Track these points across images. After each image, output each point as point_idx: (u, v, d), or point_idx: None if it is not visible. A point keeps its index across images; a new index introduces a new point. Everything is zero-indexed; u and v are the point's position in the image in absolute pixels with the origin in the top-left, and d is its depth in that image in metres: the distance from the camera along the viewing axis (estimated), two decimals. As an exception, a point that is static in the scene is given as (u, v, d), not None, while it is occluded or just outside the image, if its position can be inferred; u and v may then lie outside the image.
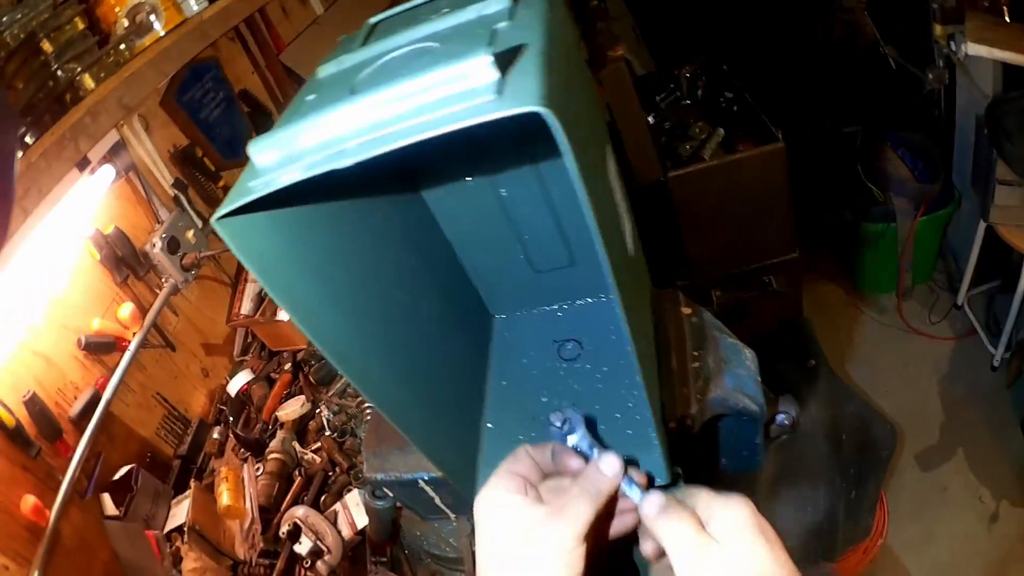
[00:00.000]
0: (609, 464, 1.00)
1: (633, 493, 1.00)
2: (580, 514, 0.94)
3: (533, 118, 0.68)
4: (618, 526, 1.08)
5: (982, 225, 3.94)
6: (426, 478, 1.38)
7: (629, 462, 1.03)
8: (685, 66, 3.87)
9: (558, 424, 1.08)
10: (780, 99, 3.76)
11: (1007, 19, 3.42)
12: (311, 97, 0.91)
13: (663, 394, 1.24)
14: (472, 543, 1.39)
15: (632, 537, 1.08)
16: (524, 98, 0.69)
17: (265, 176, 0.80)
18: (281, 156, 0.81)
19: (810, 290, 4.93)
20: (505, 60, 0.76)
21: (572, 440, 1.04)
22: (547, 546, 0.93)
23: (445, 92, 0.74)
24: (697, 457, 1.48)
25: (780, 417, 1.50)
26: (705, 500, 0.99)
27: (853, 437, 3.33)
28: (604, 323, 1.40)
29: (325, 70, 1.02)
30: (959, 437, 4.23)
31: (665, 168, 3.32)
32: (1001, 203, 3.69)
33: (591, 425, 1.07)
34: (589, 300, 1.45)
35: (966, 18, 3.49)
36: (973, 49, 3.34)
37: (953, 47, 3.61)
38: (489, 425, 1.33)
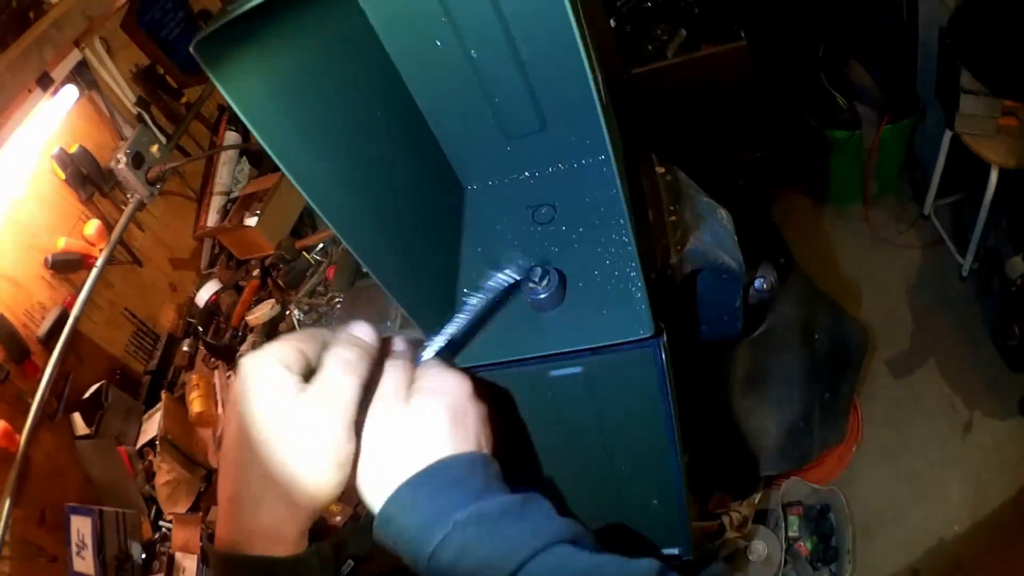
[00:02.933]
0: (361, 329, 1.00)
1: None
2: (343, 396, 0.89)
3: None
4: None
5: (948, 134, 3.96)
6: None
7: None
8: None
9: (536, 279, 1.08)
10: (743, 5, 3.74)
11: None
12: None
13: (641, 246, 1.23)
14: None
15: None
16: None
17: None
18: None
19: (778, 198, 4.94)
20: None
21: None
22: (312, 433, 0.87)
23: None
24: (678, 319, 1.48)
25: (758, 282, 1.51)
26: (432, 367, 1.03)
27: (826, 338, 3.35)
28: (577, 187, 1.39)
29: None
30: (930, 346, 4.28)
31: (628, 64, 3.31)
32: (966, 112, 3.69)
33: (563, 280, 1.07)
34: (561, 167, 1.43)
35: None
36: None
37: (916, -46, 3.59)
38: (464, 290, 1.32)
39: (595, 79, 0.88)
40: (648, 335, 1.11)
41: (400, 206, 1.21)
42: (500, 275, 1.12)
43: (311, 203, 0.94)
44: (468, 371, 1.07)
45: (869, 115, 4.47)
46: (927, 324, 4.39)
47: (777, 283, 1.51)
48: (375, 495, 0.89)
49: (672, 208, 1.32)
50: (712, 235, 1.31)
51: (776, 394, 3.11)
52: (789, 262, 3.42)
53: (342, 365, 0.90)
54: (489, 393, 1.09)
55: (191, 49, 0.78)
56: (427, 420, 0.92)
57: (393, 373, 0.96)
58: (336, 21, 1.10)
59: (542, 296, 1.12)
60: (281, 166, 0.89)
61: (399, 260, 1.15)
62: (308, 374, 0.90)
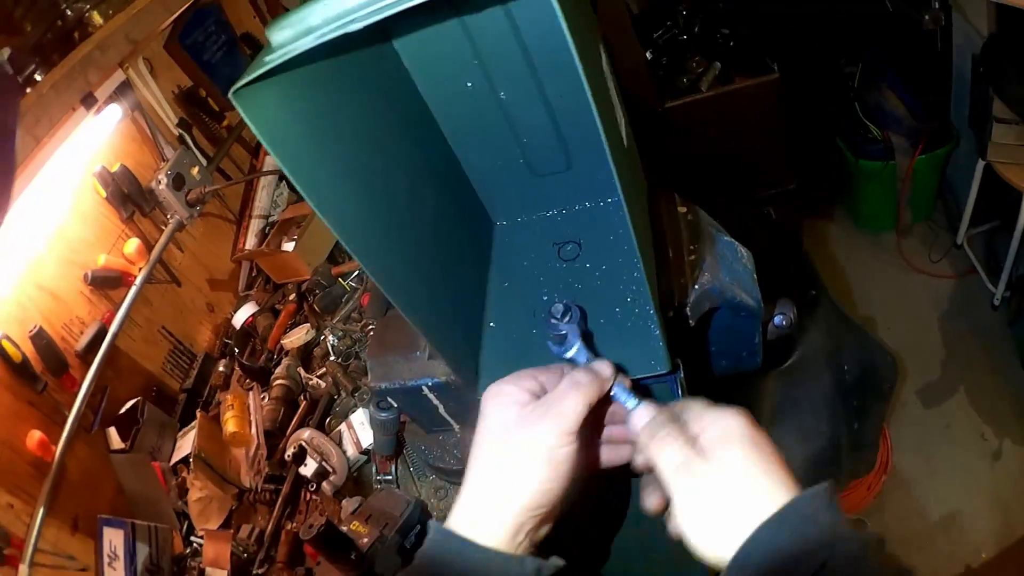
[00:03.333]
0: (602, 366, 1.03)
1: (626, 400, 1.03)
2: (568, 410, 0.96)
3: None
4: (611, 456, 1.11)
5: (980, 163, 3.94)
6: (430, 384, 1.41)
7: (621, 370, 1.06)
8: (682, 2, 3.87)
9: (558, 315, 1.11)
10: (777, 37, 3.76)
11: (1002, -41, 3.41)
12: None
13: (660, 284, 1.26)
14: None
15: (622, 468, 1.11)
16: None
17: (280, 51, 0.85)
18: (295, 31, 0.86)
19: (810, 227, 4.95)
20: None
21: (570, 354, 1.07)
22: (532, 441, 0.96)
23: None
24: (697, 353, 1.51)
25: (778, 319, 1.52)
26: (698, 412, 1.00)
27: (855, 368, 3.34)
28: (603, 225, 1.42)
29: None
30: (960, 374, 4.24)
31: (663, 99, 3.33)
32: (999, 141, 3.70)
33: (584, 318, 1.10)
34: (587, 204, 1.47)
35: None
36: (968, -10, 3.33)
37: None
38: (491, 324, 1.36)
39: (607, 122, 0.92)
40: (664, 371, 1.14)
41: (430, 243, 1.25)
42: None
43: (343, 243, 0.99)
44: None
45: (903, 144, 4.45)
46: (958, 352, 4.36)
47: (797, 319, 1.52)
48: (722, 546, 0.89)
49: (692, 247, 1.35)
50: (730, 273, 1.34)
51: (803, 425, 3.10)
52: (819, 292, 3.41)
53: (571, 384, 0.99)
54: None
55: (228, 96, 0.83)
56: (741, 469, 0.92)
57: (668, 438, 0.96)
58: (372, 64, 1.15)
59: (564, 332, 1.14)
60: (313, 206, 0.94)
61: (428, 297, 1.19)
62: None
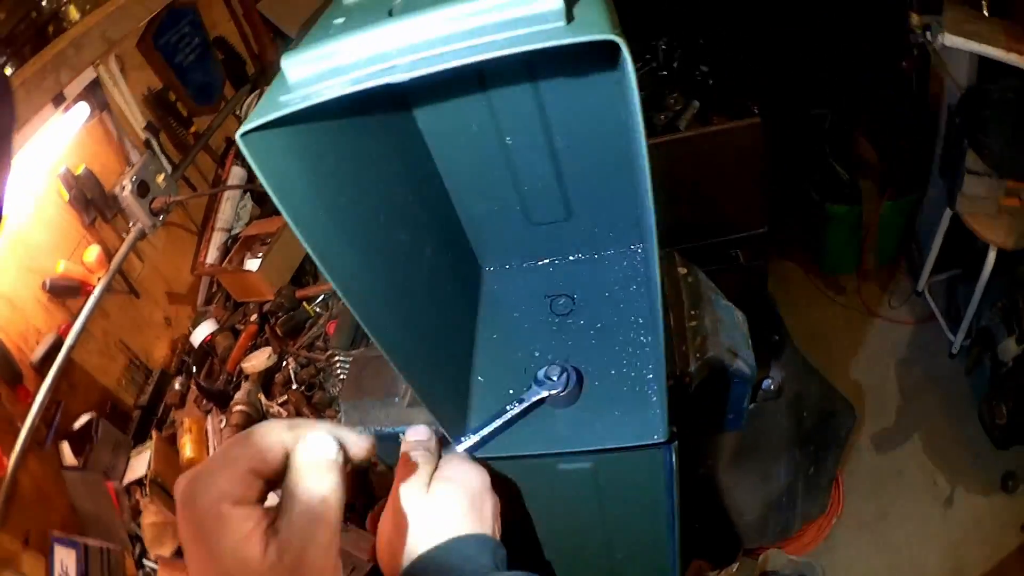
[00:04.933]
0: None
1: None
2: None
3: (570, 55, 0.67)
4: None
5: (948, 213, 3.97)
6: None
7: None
8: (662, 37, 3.86)
9: (553, 378, 1.08)
10: (756, 78, 3.76)
11: (986, 13, 3.43)
12: (339, 20, 0.87)
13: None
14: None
15: None
16: (596, 27, 0.69)
17: (300, 90, 0.78)
18: (319, 71, 0.78)
19: (774, 268, 4.95)
20: None
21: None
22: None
23: (507, 15, 0.73)
24: (688, 416, 1.48)
25: (767, 382, 1.51)
26: (451, 456, 1.10)
27: (814, 414, 3.37)
28: (597, 279, 1.39)
29: None
30: (916, 421, 4.28)
31: (639, 138, 3.32)
32: (969, 192, 3.72)
33: (580, 379, 1.08)
34: (582, 256, 1.44)
35: (944, 9, 3.49)
36: (951, 40, 3.34)
37: (929, 36, 3.61)
38: (479, 378, 1.32)
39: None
40: (662, 440, 1.11)
41: (425, 296, 1.22)
42: (541, 389, 1.13)
43: (344, 299, 0.94)
44: (481, 461, 1.11)
45: (870, 189, 4.50)
46: (914, 399, 4.40)
47: (783, 383, 1.51)
48: (390, 569, 0.96)
49: (692, 312, 1.32)
50: (729, 340, 1.31)
51: (762, 469, 3.13)
52: (782, 337, 3.43)
53: (309, 521, 0.80)
54: (499, 482, 1.11)
55: (236, 138, 0.76)
56: (446, 504, 0.98)
57: (422, 464, 1.03)
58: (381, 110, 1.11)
59: (559, 394, 1.11)
60: (315, 259, 0.88)
61: (418, 348, 1.15)
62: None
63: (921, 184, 4.51)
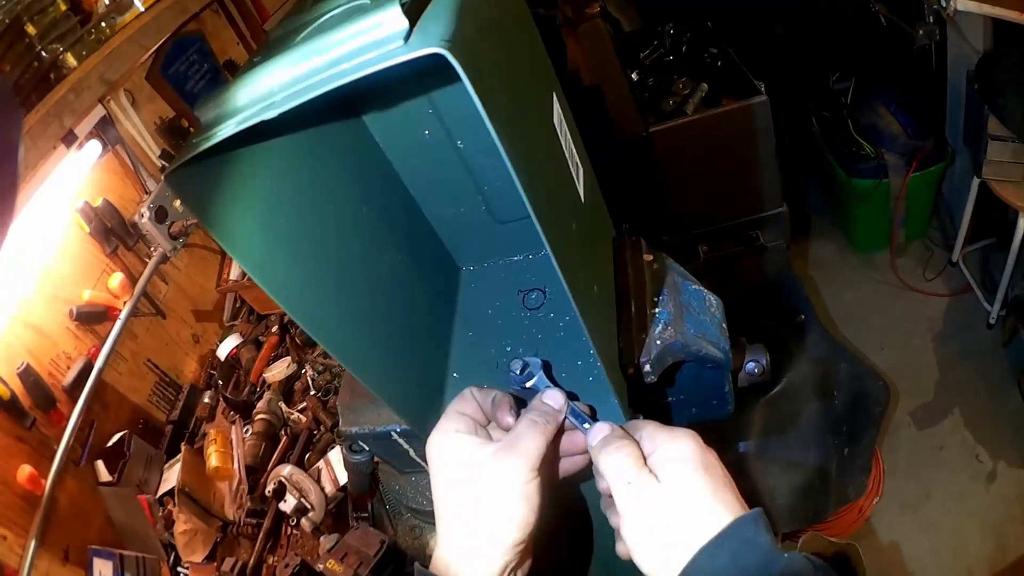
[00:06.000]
0: (553, 397, 1.04)
1: (580, 424, 1.05)
2: (530, 447, 0.97)
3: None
4: (568, 465, 1.11)
5: (975, 181, 3.93)
6: (398, 430, 1.40)
7: (574, 397, 1.06)
8: (669, 23, 3.85)
9: (517, 370, 1.10)
10: (766, 56, 3.73)
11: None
12: (258, 58, 0.94)
13: (621, 340, 1.25)
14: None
15: (582, 475, 1.11)
16: (429, 42, 0.73)
17: (209, 131, 0.85)
18: (219, 112, 0.87)
19: (804, 247, 4.94)
20: (416, 9, 0.80)
21: (530, 384, 1.07)
22: (502, 480, 0.96)
23: (360, 43, 0.79)
24: (663, 404, 1.50)
25: (750, 366, 1.51)
26: (650, 432, 1.02)
27: (845, 394, 3.33)
28: (567, 273, 1.41)
29: (275, 32, 1.05)
30: (955, 395, 4.23)
31: (647, 123, 3.31)
32: (994, 158, 3.67)
33: (548, 370, 1.10)
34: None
35: (958, -28, 3.46)
36: (963, 5, 3.30)
37: (943, 3, 3.57)
38: (455, 375, 1.36)
39: (546, 181, 0.92)
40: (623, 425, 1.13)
41: (387, 302, 1.25)
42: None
43: (290, 314, 0.98)
44: None
45: (897, 162, 4.43)
46: (952, 373, 4.34)
47: (770, 365, 1.51)
48: (664, 565, 0.92)
49: (656, 299, 1.34)
50: (696, 325, 1.32)
51: (790, 454, 3.09)
52: (809, 317, 3.40)
53: (529, 423, 1.01)
54: None
55: (162, 178, 0.82)
56: (688, 490, 0.94)
57: (620, 453, 0.99)
58: (326, 123, 1.14)
59: (528, 386, 1.14)
60: (258, 281, 0.93)
61: (385, 358, 1.19)
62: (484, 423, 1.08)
63: (947, 154, 4.46)
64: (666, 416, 1.52)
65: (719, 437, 2.95)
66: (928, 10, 3.92)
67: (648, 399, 1.26)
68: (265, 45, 1.03)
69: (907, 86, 4.55)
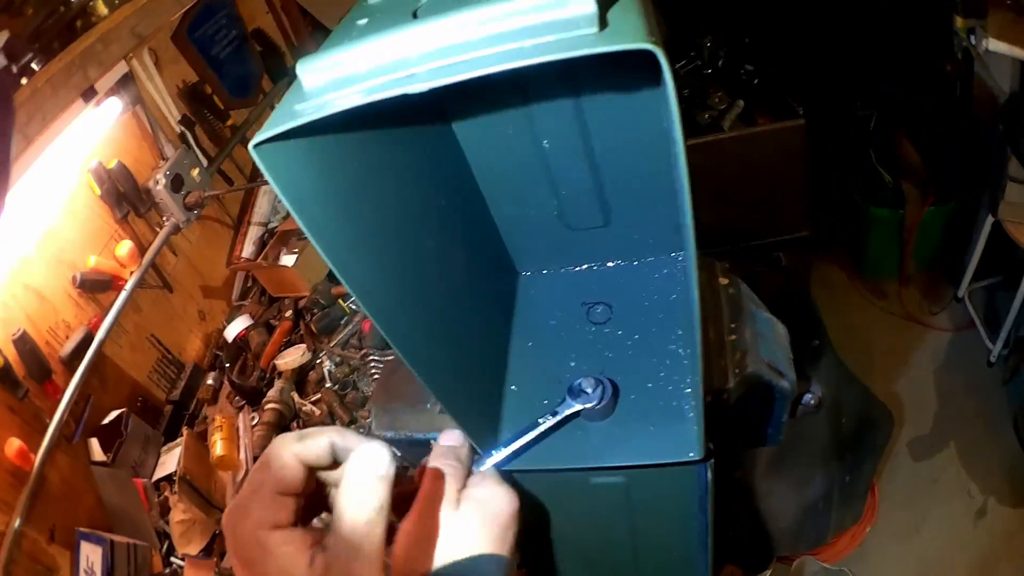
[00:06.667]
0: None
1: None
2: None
3: (607, 60, 0.62)
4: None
5: (989, 220, 3.91)
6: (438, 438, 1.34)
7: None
8: (707, 35, 3.81)
9: (588, 390, 1.05)
10: (801, 79, 3.71)
11: (1031, 18, 3.38)
12: (363, 21, 0.84)
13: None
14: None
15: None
16: (630, 35, 0.64)
17: (315, 99, 0.74)
18: (335, 78, 0.74)
19: (816, 269, 4.92)
20: None
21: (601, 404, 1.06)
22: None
23: (536, 19, 0.68)
24: (725, 432, 1.45)
25: (807, 397, 1.47)
26: (483, 477, 1.03)
27: (852, 421, 3.33)
28: (636, 288, 1.35)
29: None
30: (952, 429, 4.23)
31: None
32: (1011, 200, 3.68)
33: (616, 392, 1.10)
34: (620, 263, 1.40)
35: (989, 13, 3.44)
36: (994, 45, 3.30)
37: (973, 40, 3.56)
38: (512, 387, 1.29)
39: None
40: (698, 458, 1.08)
41: (454, 304, 1.18)
42: (575, 402, 1.10)
43: (365, 310, 0.91)
44: (508, 473, 1.08)
45: (913, 194, 4.45)
46: (951, 407, 4.35)
47: (823, 399, 1.47)
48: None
49: (732, 326, 1.28)
50: (769, 355, 1.27)
51: (798, 476, 3.09)
52: (823, 343, 3.38)
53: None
54: (526, 495, 1.09)
55: (249, 149, 0.73)
56: (473, 524, 0.94)
57: (450, 477, 0.97)
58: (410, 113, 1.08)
59: (594, 407, 1.08)
60: (336, 271, 0.85)
61: (449, 362, 1.12)
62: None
63: (964, 190, 4.45)
64: (734, 443, 1.47)
65: (730, 460, 2.94)
66: (957, 46, 3.91)
67: (720, 427, 1.21)
68: (365, 7, 0.92)
69: (930, 120, 4.54)
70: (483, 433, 1.17)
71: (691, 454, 1.08)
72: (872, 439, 3.46)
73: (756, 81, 3.58)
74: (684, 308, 1.28)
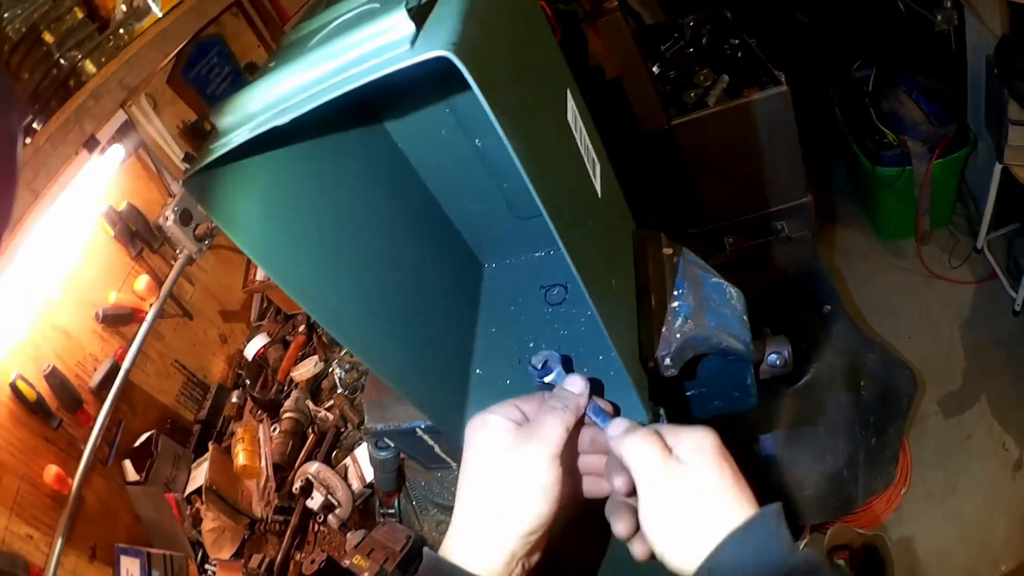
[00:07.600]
0: (573, 382, 1.05)
1: (599, 419, 1.05)
2: (549, 434, 0.98)
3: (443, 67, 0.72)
4: (594, 487, 1.11)
5: (998, 167, 3.88)
6: (423, 426, 1.41)
7: (599, 389, 1.06)
8: (689, 15, 3.83)
9: (538, 365, 1.11)
10: (786, 46, 3.71)
11: (1016, -42, 3.37)
12: (273, 63, 0.95)
13: (641, 334, 1.26)
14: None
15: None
16: (435, 45, 0.74)
17: (224, 137, 0.86)
18: (236, 119, 0.88)
19: (831, 236, 4.90)
20: (423, 13, 0.82)
21: (548, 379, 1.07)
22: (519, 467, 0.97)
23: (368, 48, 0.81)
24: (686, 397, 1.50)
25: (772, 357, 1.51)
26: (672, 428, 1.02)
27: (873, 384, 3.30)
28: (589, 268, 1.41)
29: (289, 36, 1.06)
30: (981, 383, 4.18)
31: (669, 116, 3.29)
32: (1015, 144, 3.66)
33: (568, 364, 1.10)
34: (572, 245, 1.47)
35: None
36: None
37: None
38: (478, 371, 1.36)
39: (560, 178, 0.93)
40: (644, 422, 1.13)
41: (412, 302, 1.26)
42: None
43: (312, 315, 0.99)
44: None
45: (920, 150, 4.38)
46: (979, 362, 4.29)
47: (792, 357, 1.51)
48: (689, 552, 0.92)
49: (676, 292, 1.34)
50: (717, 318, 1.32)
51: (819, 445, 3.07)
52: (835, 307, 3.38)
53: (548, 409, 1.02)
54: None
55: (180, 184, 0.84)
56: (714, 479, 0.95)
57: (646, 441, 0.99)
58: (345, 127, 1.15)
59: (547, 381, 1.14)
60: (278, 283, 0.94)
61: (408, 356, 1.20)
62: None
63: (969, 140, 4.42)
64: (688, 409, 1.52)
65: (746, 428, 2.95)
66: (947, -5, 3.90)
67: (670, 393, 1.27)
68: (279, 50, 1.04)
69: (928, 73, 4.51)
70: (447, 415, 1.25)
71: (637, 419, 1.12)
72: (896, 401, 3.41)
73: (740, 55, 3.60)
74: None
